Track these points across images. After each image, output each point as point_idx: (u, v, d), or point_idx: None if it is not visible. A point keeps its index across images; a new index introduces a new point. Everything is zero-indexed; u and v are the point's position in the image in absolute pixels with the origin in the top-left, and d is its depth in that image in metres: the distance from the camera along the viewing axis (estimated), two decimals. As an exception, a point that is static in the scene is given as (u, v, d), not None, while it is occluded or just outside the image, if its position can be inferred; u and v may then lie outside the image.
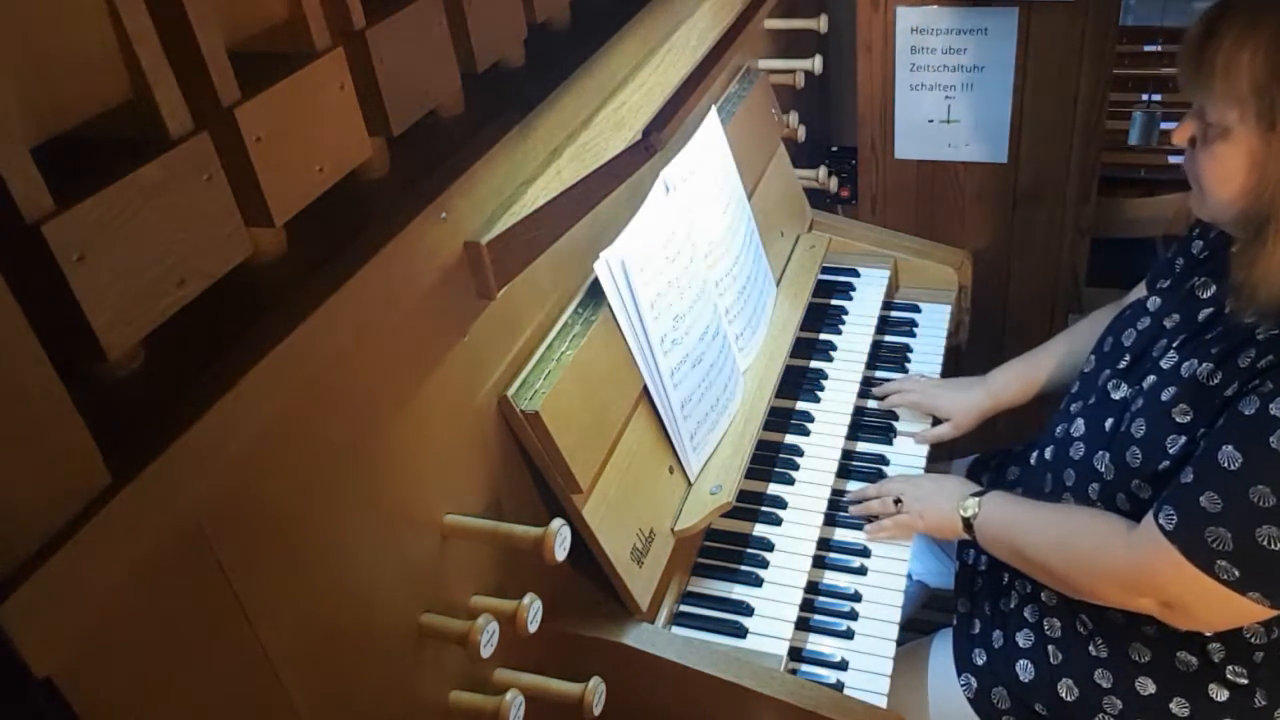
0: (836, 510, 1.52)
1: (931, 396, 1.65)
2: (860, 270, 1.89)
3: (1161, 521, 1.13)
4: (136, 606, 0.64)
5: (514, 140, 1.03)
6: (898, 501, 1.45)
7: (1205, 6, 1.12)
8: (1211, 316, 1.21)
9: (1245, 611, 1.12)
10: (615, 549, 1.18)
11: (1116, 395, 1.30)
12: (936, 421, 1.65)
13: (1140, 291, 1.45)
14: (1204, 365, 1.16)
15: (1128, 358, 1.32)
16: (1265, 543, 1.06)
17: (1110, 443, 1.26)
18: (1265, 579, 1.08)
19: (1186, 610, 1.16)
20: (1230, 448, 1.08)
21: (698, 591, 1.36)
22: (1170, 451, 1.17)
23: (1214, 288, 1.24)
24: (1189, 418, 1.16)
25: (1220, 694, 1.24)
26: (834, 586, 1.42)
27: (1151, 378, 1.24)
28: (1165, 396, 1.19)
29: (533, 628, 1.02)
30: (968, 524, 1.38)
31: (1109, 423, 1.28)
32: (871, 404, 1.71)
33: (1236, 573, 1.09)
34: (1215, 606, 1.13)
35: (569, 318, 1.19)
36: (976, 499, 1.38)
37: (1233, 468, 1.08)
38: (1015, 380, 1.63)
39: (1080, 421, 1.35)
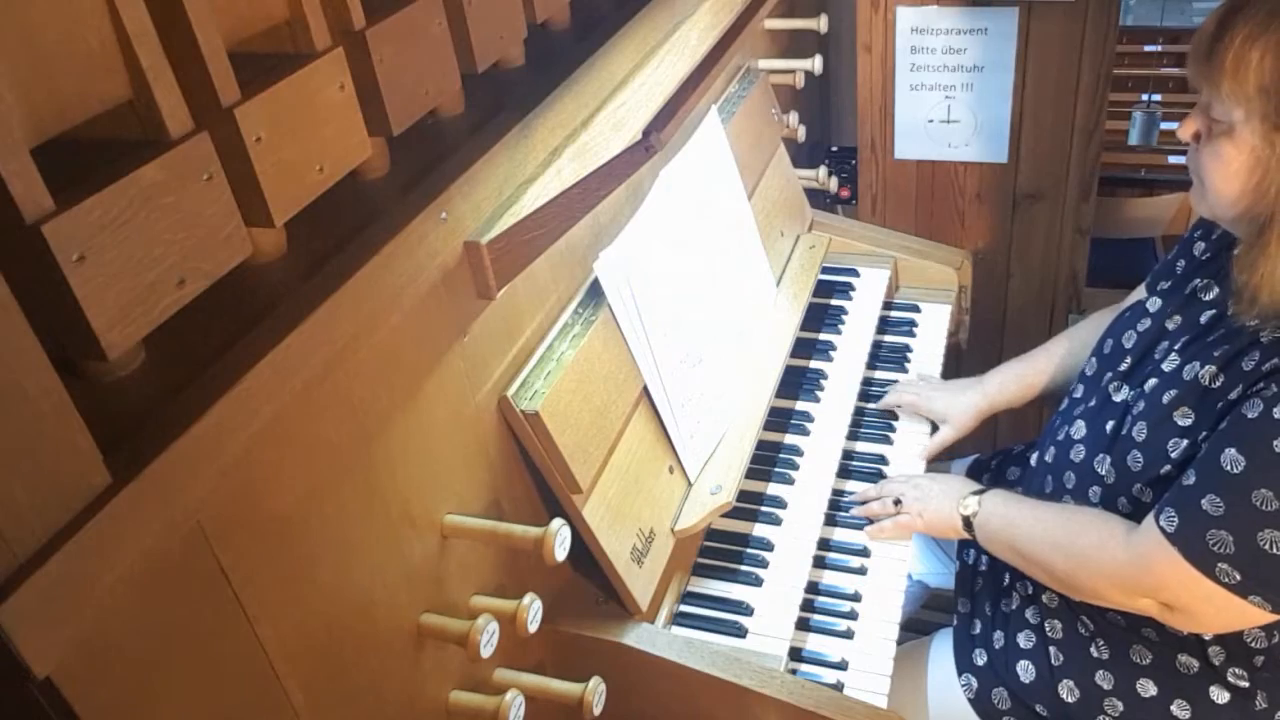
0: (836, 510, 1.52)
1: (927, 399, 1.64)
2: (860, 270, 1.89)
3: (1162, 523, 1.13)
4: (136, 606, 0.64)
5: (514, 140, 1.03)
6: (897, 502, 1.45)
7: (1206, 6, 1.11)
8: (1214, 319, 1.21)
9: (1246, 615, 1.12)
10: (615, 549, 1.18)
11: (1118, 398, 1.30)
12: (934, 429, 1.65)
13: (1140, 293, 1.44)
14: (1206, 368, 1.15)
15: (1129, 360, 1.32)
16: (1267, 546, 1.06)
17: (1111, 446, 1.26)
18: (1266, 583, 1.08)
19: (1187, 613, 1.16)
20: (1233, 450, 1.08)
21: (698, 591, 1.36)
22: (1172, 455, 1.17)
23: (1216, 289, 1.24)
24: (1190, 421, 1.16)
25: (1221, 696, 1.24)
26: (834, 587, 1.42)
27: (1153, 380, 1.24)
28: (1166, 399, 1.19)
29: (533, 628, 1.02)
30: (967, 522, 1.38)
31: (1110, 425, 1.28)
32: (871, 405, 1.71)
33: (1237, 576, 1.09)
34: (1216, 609, 1.13)
35: (569, 318, 1.19)
36: (977, 497, 1.38)
37: (1235, 471, 1.07)
38: (1011, 381, 1.63)
39: (1081, 424, 1.35)
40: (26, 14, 0.56)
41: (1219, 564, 1.09)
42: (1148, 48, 2.71)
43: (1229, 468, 1.08)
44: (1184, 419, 1.16)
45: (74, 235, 0.57)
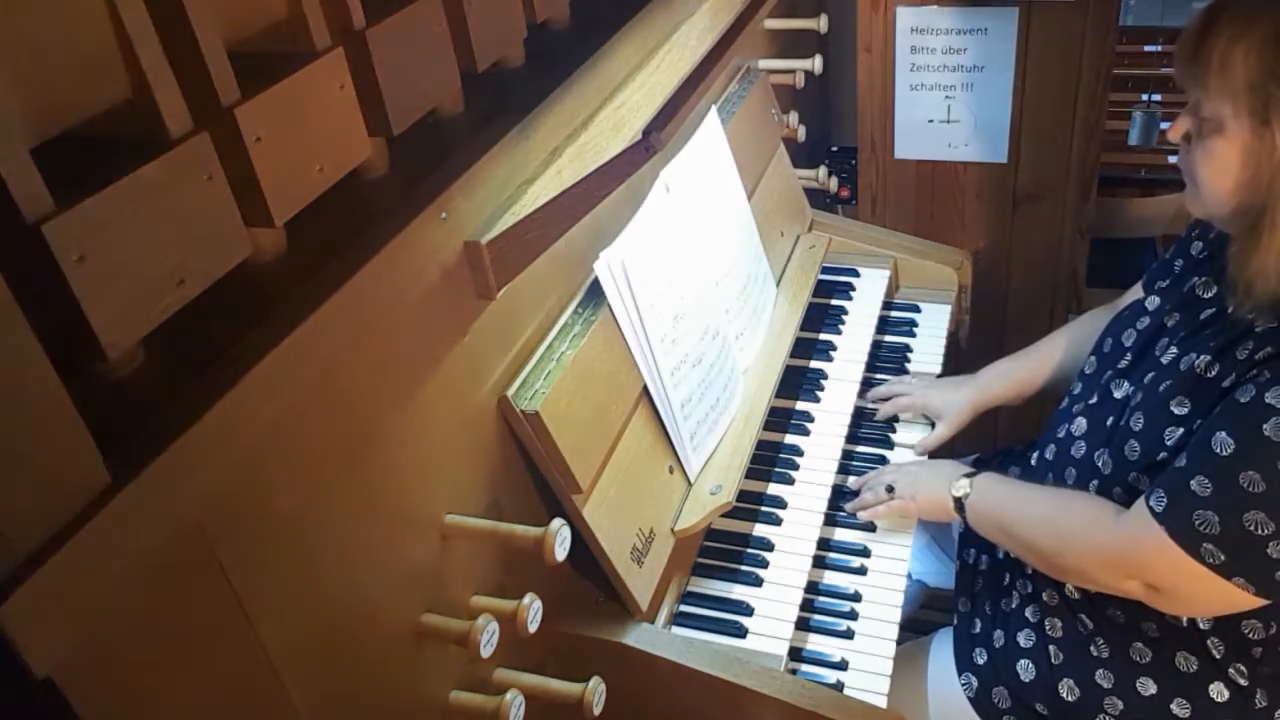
0: (836, 510, 1.52)
1: (923, 398, 1.65)
2: (860, 270, 1.89)
3: (1152, 504, 1.14)
4: (137, 606, 0.64)
5: (514, 140, 1.03)
6: (890, 490, 1.46)
7: (1204, 5, 1.12)
8: (1213, 316, 1.22)
9: (1231, 598, 1.13)
10: (615, 549, 1.18)
11: (1118, 394, 1.30)
12: (932, 427, 1.65)
13: (1136, 293, 1.45)
14: (1202, 358, 1.16)
15: (1129, 357, 1.33)
16: (1252, 528, 1.07)
17: (1110, 439, 1.27)
18: (1251, 564, 1.09)
19: (1172, 594, 1.17)
20: (1224, 434, 1.09)
21: (698, 591, 1.36)
22: (1168, 443, 1.18)
23: (1215, 288, 1.25)
24: (1186, 409, 1.17)
25: (1221, 694, 1.24)
26: (834, 586, 1.42)
27: (1151, 374, 1.24)
28: (1163, 389, 1.20)
29: (533, 628, 1.02)
30: (959, 504, 1.38)
31: (1110, 420, 1.28)
32: (870, 405, 1.70)
33: (1222, 557, 1.09)
34: (1201, 591, 1.13)
35: (569, 318, 1.19)
36: (968, 479, 1.38)
37: (1225, 453, 1.08)
38: (1005, 376, 1.64)
39: (1082, 420, 1.35)
40: (26, 14, 0.56)
41: (1204, 544, 1.10)
42: (1148, 48, 2.70)
43: (1219, 450, 1.09)
44: (1180, 408, 1.17)
45: (74, 235, 0.57)
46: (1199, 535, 1.10)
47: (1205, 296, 1.25)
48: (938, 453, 1.64)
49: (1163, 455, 1.18)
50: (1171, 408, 1.18)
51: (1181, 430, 1.16)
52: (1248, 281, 1.10)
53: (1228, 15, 1.08)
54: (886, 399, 1.68)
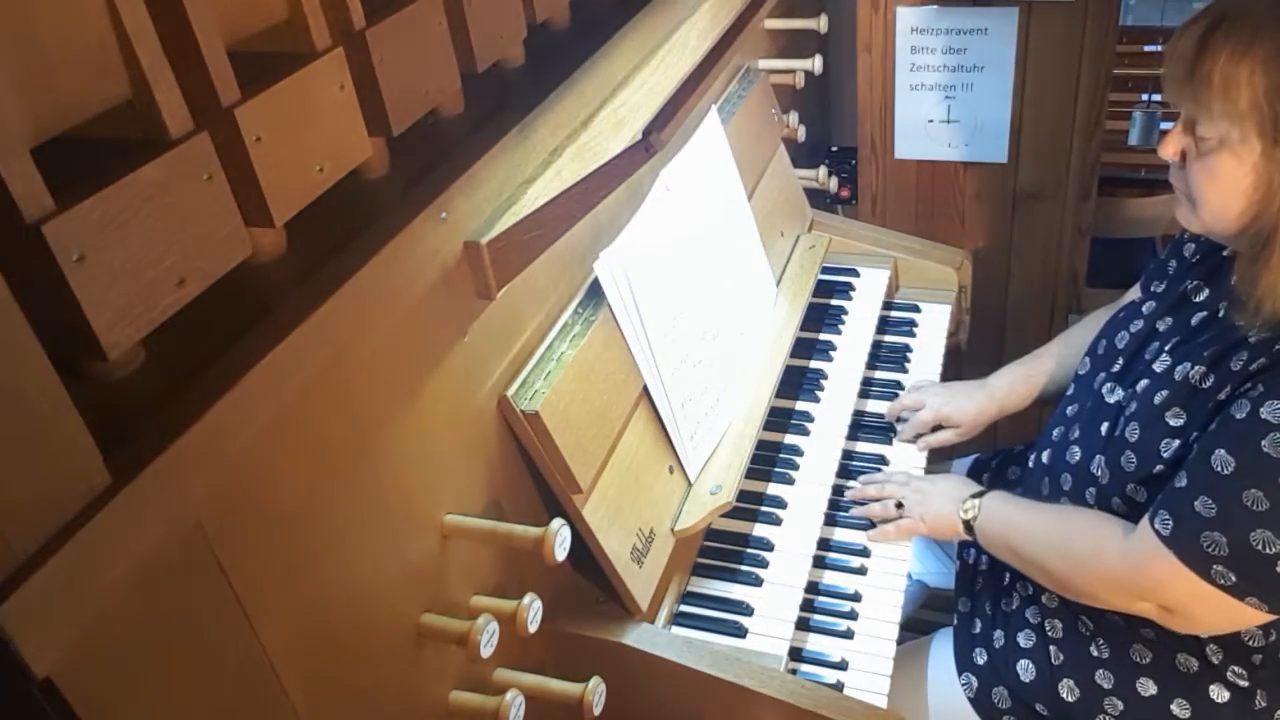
0: (836, 510, 1.52)
1: (937, 411, 1.62)
2: (860, 270, 1.89)
3: (1158, 527, 1.13)
4: (136, 606, 0.64)
5: (514, 140, 1.03)
6: (899, 505, 1.45)
7: (1205, 7, 1.10)
8: (1204, 321, 1.21)
9: (1243, 616, 1.12)
10: (615, 549, 1.18)
11: (1111, 399, 1.30)
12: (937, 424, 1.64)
13: (1134, 293, 1.45)
14: (1196, 368, 1.16)
15: (1121, 360, 1.32)
16: (1260, 546, 1.06)
17: (1105, 447, 1.26)
18: (1261, 583, 1.08)
19: (1185, 615, 1.17)
20: (1223, 451, 1.08)
21: (698, 591, 1.36)
22: (1164, 455, 1.17)
23: (1206, 291, 1.24)
24: (1181, 421, 1.16)
25: (1221, 695, 1.24)
26: (834, 586, 1.42)
27: (1144, 381, 1.24)
28: (1158, 400, 1.19)
29: (533, 628, 1.02)
30: (968, 526, 1.38)
31: (1104, 426, 1.28)
32: (871, 405, 1.70)
33: (1233, 577, 1.09)
34: (1214, 611, 1.13)
35: (569, 318, 1.19)
36: (976, 500, 1.38)
37: (1225, 472, 1.08)
38: (1020, 384, 1.62)
39: (1076, 426, 1.35)
40: (26, 14, 0.56)
41: (1214, 566, 1.09)
42: (1148, 48, 2.71)
43: (1219, 469, 1.08)
44: (1175, 419, 1.17)
45: (74, 235, 0.57)
46: (1208, 557, 1.10)
47: (1197, 300, 1.25)
48: (938, 452, 1.64)
49: (1159, 468, 1.18)
50: (1167, 419, 1.17)
51: (1178, 442, 1.16)
52: (1258, 300, 1.08)
53: (1223, 33, 1.04)
54: (903, 415, 1.67)
